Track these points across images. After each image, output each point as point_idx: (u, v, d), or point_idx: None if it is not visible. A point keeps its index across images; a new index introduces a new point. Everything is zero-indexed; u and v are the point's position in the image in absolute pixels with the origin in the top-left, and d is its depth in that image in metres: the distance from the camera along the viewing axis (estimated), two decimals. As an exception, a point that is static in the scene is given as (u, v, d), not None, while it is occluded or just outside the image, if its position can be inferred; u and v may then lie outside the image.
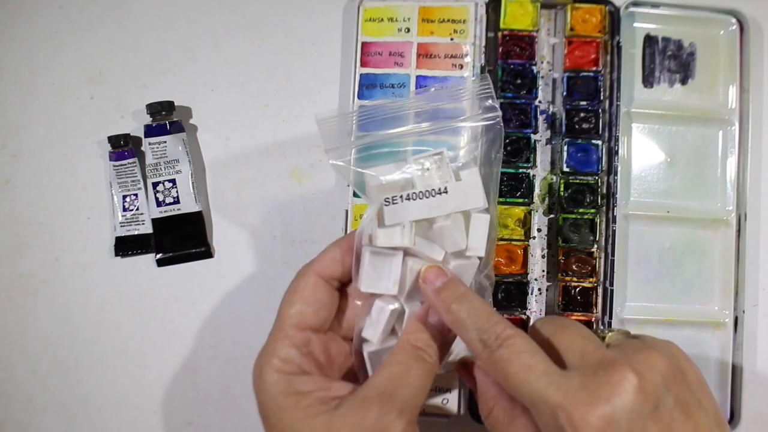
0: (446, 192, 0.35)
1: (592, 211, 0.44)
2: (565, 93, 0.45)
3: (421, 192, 0.35)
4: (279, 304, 0.35)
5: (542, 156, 0.46)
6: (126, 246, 0.47)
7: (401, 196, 0.35)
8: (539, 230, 0.46)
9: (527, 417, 0.31)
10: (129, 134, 0.47)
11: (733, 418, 0.43)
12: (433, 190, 0.35)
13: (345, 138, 0.38)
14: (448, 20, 0.46)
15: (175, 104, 0.47)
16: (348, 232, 0.45)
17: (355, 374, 0.36)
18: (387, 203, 0.35)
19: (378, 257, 0.35)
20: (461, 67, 0.46)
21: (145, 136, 0.46)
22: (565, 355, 0.31)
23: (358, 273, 0.35)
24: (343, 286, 0.37)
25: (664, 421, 0.28)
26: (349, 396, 0.32)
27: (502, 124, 0.38)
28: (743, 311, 0.44)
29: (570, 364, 0.30)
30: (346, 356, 0.36)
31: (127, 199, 0.47)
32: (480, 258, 0.36)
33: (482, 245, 0.36)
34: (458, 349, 0.37)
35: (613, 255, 0.44)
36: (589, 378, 0.28)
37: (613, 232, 0.44)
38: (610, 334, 0.33)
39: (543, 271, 0.45)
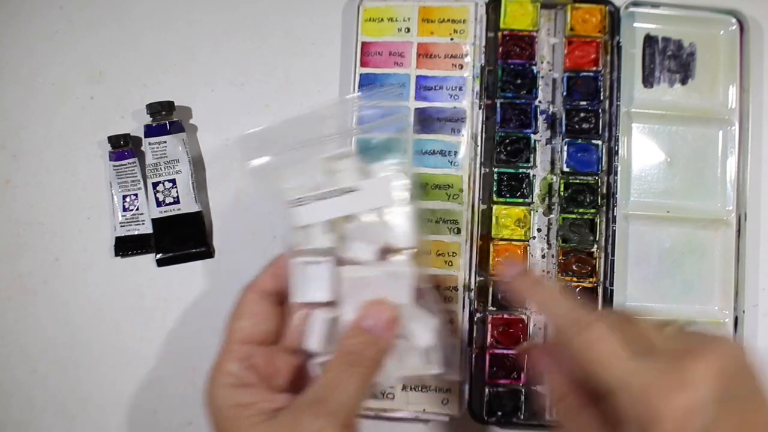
0: (358, 190, 0.36)
1: (592, 211, 0.44)
2: (565, 93, 0.45)
3: (330, 191, 0.35)
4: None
5: (542, 156, 0.46)
6: (126, 246, 0.47)
7: (310, 197, 0.36)
8: (539, 230, 0.46)
9: (594, 409, 0.31)
10: (129, 134, 0.47)
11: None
12: (343, 189, 0.36)
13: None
14: (448, 20, 0.46)
15: (175, 104, 0.47)
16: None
17: (305, 384, 0.37)
18: (295, 204, 0.36)
19: (308, 267, 0.36)
20: (461, 67, 0.46)
21: (145, 136, 0.46)
22: (641, 344, 0.31)
23: (292, 286, 0.36)
24: (283, 300, 0.38)
25: (743, 410, 0.28)
26: (287, 405, 0.33)
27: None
28: (743, 311, 0.44)
29: (647, 352, 0.30)
30: (293, 368, 0.37)
31: (127, 199, 0.47)
32: (413, 250, 0.36)
33: (410, 237, 0.36)
34: (404, 361, 0.37)
35: (613, 255, 0.44)
36: (671, 365, 0.28)
37: (613, 232, 0.44)
38: (670, 327, 0.33)
39: (543, 271, 0.45)
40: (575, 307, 0.32)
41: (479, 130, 0.45)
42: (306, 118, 0.40)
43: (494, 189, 0.45)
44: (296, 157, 0.38)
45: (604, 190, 0.45)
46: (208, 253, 0.47)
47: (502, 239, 0.44)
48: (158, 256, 0.47)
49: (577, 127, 0.45)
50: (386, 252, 0.36)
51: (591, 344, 0.30)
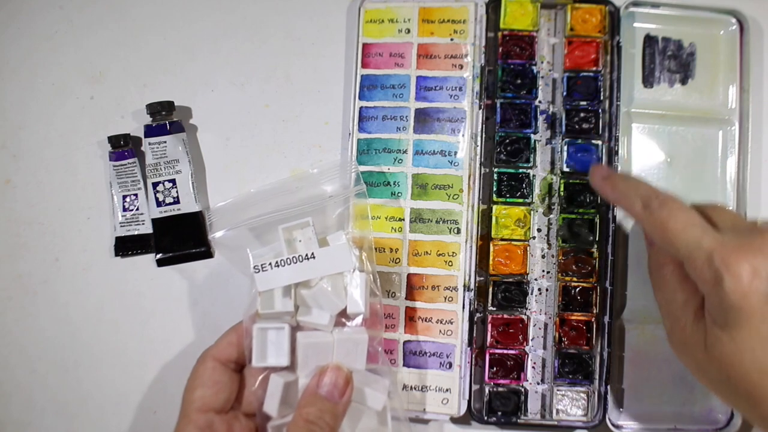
0: (314, 257, 0.38)
1: (592, 211, 0.44)
2: (565, 93, 0.45)
3: (288, 258, 0.38)
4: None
5: (542, 156, 0.46)
6: (126, 246, 0.47)
7: (270, 264, 0.38)
8: (539, 230, 0.46)
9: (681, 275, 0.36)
10: (129, 134, 0.47)
11: (733, 418, 0.43)
12: (301, 256, 0.38)
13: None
14: (448, 20, 0.46)
15: (175, 104, 0.47)
16: (348, 231, 0.45)
17: None
18: (257, 270, 0.38)
19: (266, 332, 0.38)
20: (461, 67, 0.46)
21: (145, 136, 0.46)
22: (718, 223, 0.34)
23: (250, 351, 0.38)
24: (241, 367, 0.39)
25: None
26: None
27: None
28: (743, 311, 0.44)
29: (722, 225, 0.34)
30: None
31: (127, 199, 0.47)
32: (365, 316, 0.39)
33: (362, 303, 0.38)
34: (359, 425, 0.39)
35: (613, 255, 0.44)
36: (742, 235, 0.32)
37: (613, 232, 0.44)
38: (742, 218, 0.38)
39: (543, 271, 0.45)
40: (654, 188, 0.36)
41: (479, 130, 0.45)
42: (270, 191, 0.44)
43: (494, 189, 0.45)
44: (261, 227, 0.42)
45: (604, 190, 0.45)
46: (208, 253, 0.47)
47: (502, 239, 0.44)
48: (158, 256, 0.47)
49: (577, 127, 0.45)
50: (341, 318, 0.39)
51: (669, 216, 0.34)
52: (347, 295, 0.39)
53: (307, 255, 0.38)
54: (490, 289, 0.44)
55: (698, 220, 0.33)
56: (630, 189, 0.37)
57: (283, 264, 0.38)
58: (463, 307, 0.44)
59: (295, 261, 0.38)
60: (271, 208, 0.42)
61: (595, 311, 0.44)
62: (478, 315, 0.44)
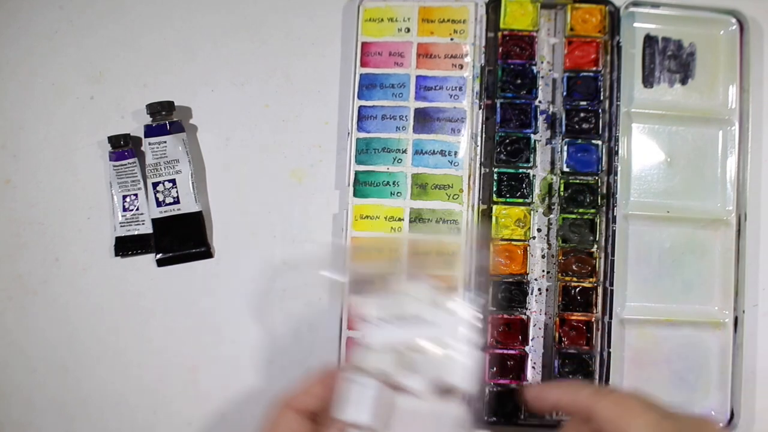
0: (434, 323, 0.35)
1: (592, 211, 0.44)
2: (565, 93, 0.45)
3: (409, 318, 0.35)
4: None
5: (542, 156, 0.46)
6: (126, 246, 0.47)
7: (387, 319, 0.35)
8: (539, 230, 0.46)
9: None
10: (129, 134, 0.47)
11: (733, 418, 0.43)
12: (414, 316, 0.35)
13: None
14: (448, 20, 0.46)
15: (175, 104, 0.47)
16: (348, 232, 0.45)
17: None
18: (371, 324, 0.36)
19: (358, 386, 0.35)
20: (461, 67, 0.46)
21: (145, 136, 0.46)
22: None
23: (336, 401, 0.35)
24: (318, 416, 0.37)
25: None
26: None
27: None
28: (743, 311, 0.44)
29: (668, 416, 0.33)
30: None
31: (127, 199, 0.47)
32: (465, 394, 0.36)
33: (468, 379, 0.36)
34: None
35: (613, 255, 0.44)
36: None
37: (613, 232, 0.44)
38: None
39: (543, 271, 0.45)
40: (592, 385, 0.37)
41: (479, 130, 0.45)
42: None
43: (494, 189, 0.45)
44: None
45: (604, 190, 0.45)
46: (208, 253, 0.47)
47: (502, 239, 0.44)
48: (158, 256, 0.47)
49: (577, 127, 0.45)
50: (440, 388, 0.36)
51: (618, 402, 0.32)
52: (454, 366, 0.36)
53: (421, 316, 0.35)
54: (490, 289, 0.44)
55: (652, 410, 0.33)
56: (571, 389, 0.36)
57: (400, 323, 0.35)
58: (463, 307, 0.44)
59: (405, 320, 0.35)
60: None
61: (595, 311, 0.44)
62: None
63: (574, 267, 0.44)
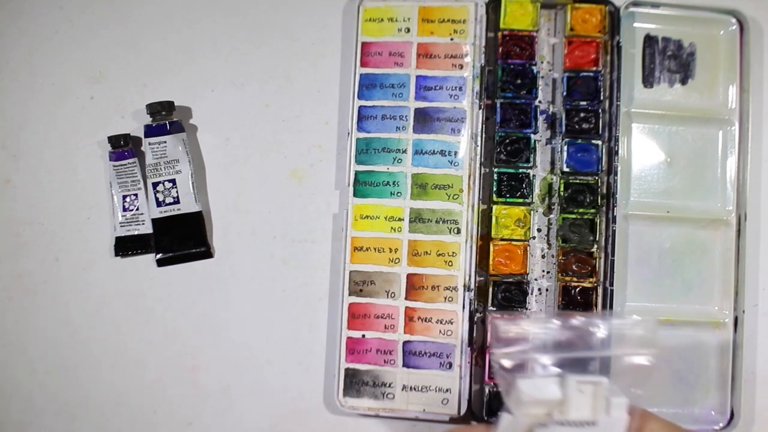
0: (594, 425, 0.33)
1: (592, 211, 0.44)
2: (565, 93, 0.45)
3: (572, 421, 0.33)
4: None
5: (542, 156, 0.46)
6: (126, 246, 0.47)
7: (553, 423, 0.33)
8: (539, 230, 0.46)
9: None
10: (129, 134, 0.47)
11: (733, 418, 0.43)
12: (585, 421, 0.33)
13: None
14: (448, 20, 0.46)
15: (175, 104, 0.47)
16: (348, 232, 0.45)
17: None
18: (540, 427, 0.33)
19: None
20: (461, 67, 0.46)
21: (145, 136, 0.46)
22: None
23: None
24: None
25: None
26: None
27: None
28: (743, 311, 0.44)
29: None
30: None
31: (127, 199, 0.47)
32: None
33: None
34: None
35: (613, 255, 0.44)
36: None
37: (613, 232, 0.44)
38: None
39: (543, 271, 0.45)
40: None
41: (479, 130, 0.45)
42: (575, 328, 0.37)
43: (494, 189, 0.45)
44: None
45: (604, 190, 0.45)
46: (208, 253, 0.47)
47: (502, 239, 0.44)
48: (158, 256, 0.47)
49: (577, 127, 0.45)
50: None
51: None
52: None
53: (589, 421, 0.33)
54: (490, 289, 0.44)
55: None
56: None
57: (564, 425, 0.33)
58: (463, 307, 0.44)
59: (576, 425, 0.33)
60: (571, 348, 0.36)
61: (595, 311, 0.43)
62: (478, 315, 0.44)
63: (574, 267, 0.44)
